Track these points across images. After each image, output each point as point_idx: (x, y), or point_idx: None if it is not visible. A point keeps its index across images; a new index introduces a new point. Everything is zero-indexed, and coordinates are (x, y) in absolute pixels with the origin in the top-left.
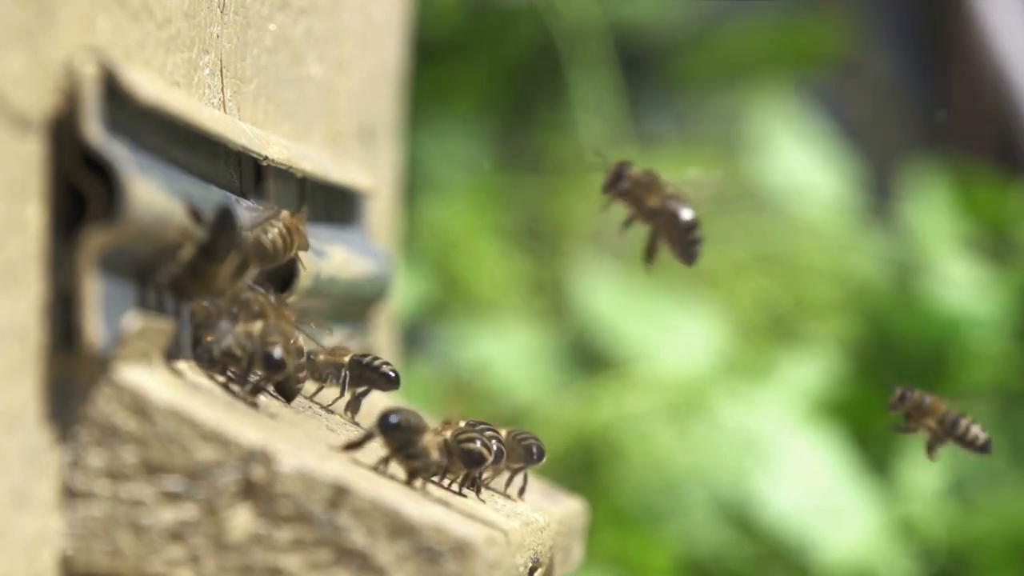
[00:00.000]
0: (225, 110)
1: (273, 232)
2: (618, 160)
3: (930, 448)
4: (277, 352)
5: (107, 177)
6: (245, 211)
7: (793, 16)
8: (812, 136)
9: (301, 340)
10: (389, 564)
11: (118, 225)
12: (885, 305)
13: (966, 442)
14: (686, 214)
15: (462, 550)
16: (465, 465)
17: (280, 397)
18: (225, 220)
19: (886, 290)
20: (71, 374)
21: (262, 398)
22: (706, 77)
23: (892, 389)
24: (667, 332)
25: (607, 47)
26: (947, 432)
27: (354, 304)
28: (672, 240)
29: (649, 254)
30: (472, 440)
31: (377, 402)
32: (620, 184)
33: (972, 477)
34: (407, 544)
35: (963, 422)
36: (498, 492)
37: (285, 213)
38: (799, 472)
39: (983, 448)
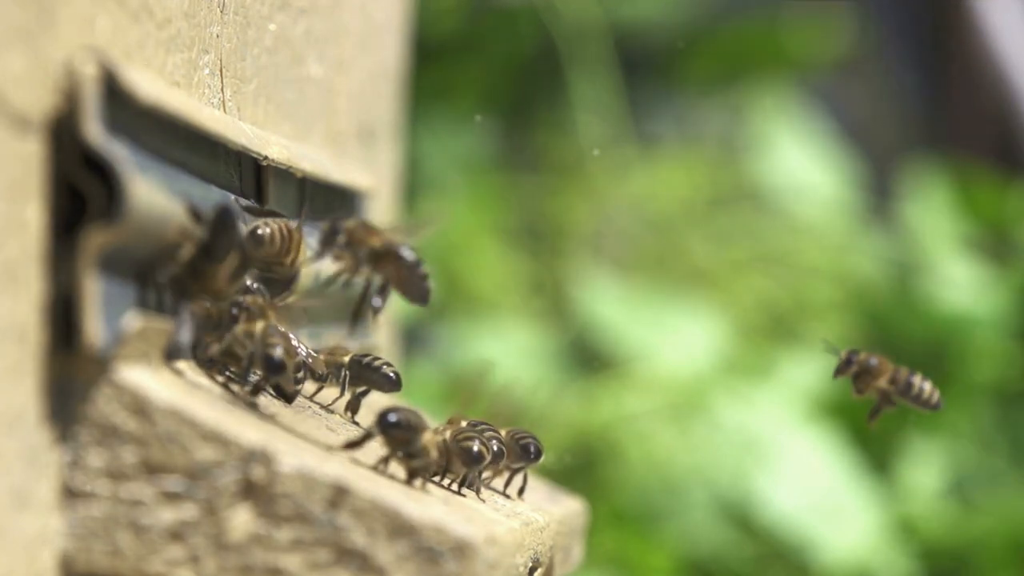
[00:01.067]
0: (225, 110)
1: (272, 227)
2: (331, 217)
3: (875, 413)
4: (278, 353)
5: (107, 177)
6: (244, 212)
7: (793, 16)
8: (812, 136)
9: (301, 340)
10: (389, 564)
11: (118, 225)
12: (885, 305)
13: (921, 401)
14: (410, 252)
15: (462, 550)
16: (464, 465)
17: (280, 398)
18: (225, 220)
19: (886, 290)
20: (71, 374)
21: (262, 398)
22: (706, 77)
23: (836, 354)
24: (667, 332)
25: (607, 47)
26: (901, 392)
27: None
28: (403, 281)
29: (375, 311)
30: (471, 440)
31: (377, 402)
32: (337, 239)
33: (972, 477)
34: (407, 544)
35: (916, 380)
36: (498, 492)
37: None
38: (799, 472)
39: (936, 405)
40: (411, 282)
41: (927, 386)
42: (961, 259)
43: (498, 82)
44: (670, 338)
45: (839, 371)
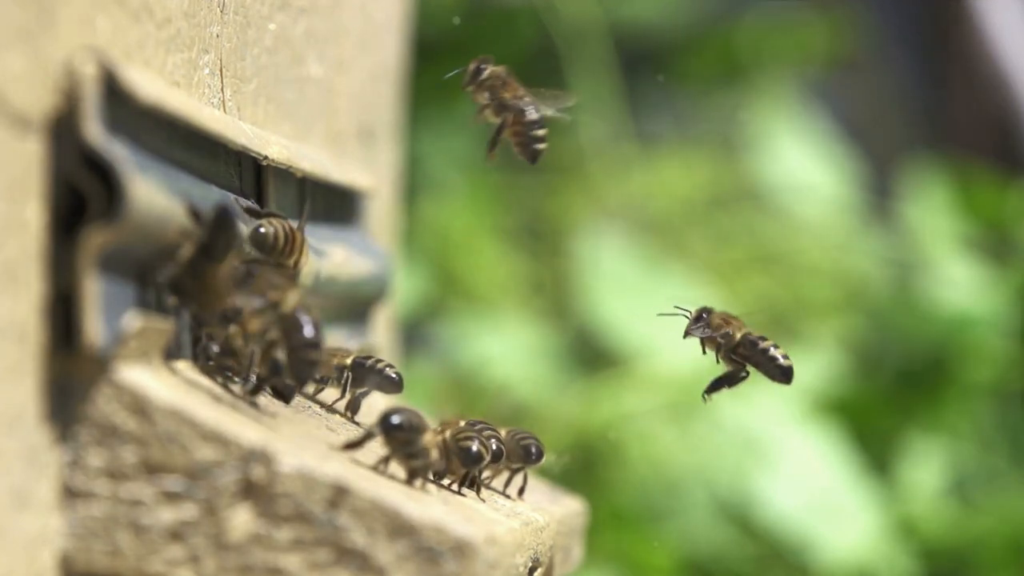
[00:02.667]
0: (225, 110)
1: (275, 226)
2: None
3: (716, 384)
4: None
5: (107, 177)
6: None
7: (793, 16)
8: (812, 135)
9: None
10: (389, 564)
11: (118, 225)
12: (885, 305)
13: (771, 367)
14: None
15: (462, 550)
16: (463, 464)
17: (279, 398)
18: (223, 220)
19: (886, 290)
20: (71, 374)
21: (262, 398)
22: (706, 77)
23: (686, 314)
24: (667, 331)
25: (607, 47)
26: (752, 357)
27: (354, 304)
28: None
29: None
30: (470, 439)
31: (377, 402)
32: None
33: (972, 477)
34: (407, 544)
35: (765, 344)
36: (498, 492)
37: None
38: (799, 472)
39: (788, 373)
40: None
41: (778, 352)
42: (961, 259)
43: None
44: (670, 337)
45: (689, 331)
